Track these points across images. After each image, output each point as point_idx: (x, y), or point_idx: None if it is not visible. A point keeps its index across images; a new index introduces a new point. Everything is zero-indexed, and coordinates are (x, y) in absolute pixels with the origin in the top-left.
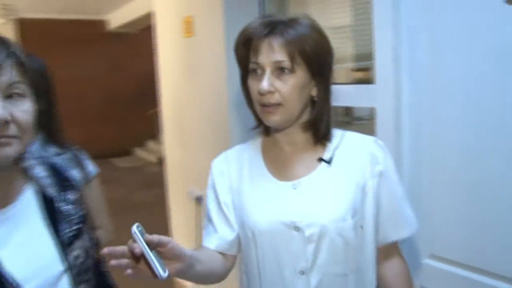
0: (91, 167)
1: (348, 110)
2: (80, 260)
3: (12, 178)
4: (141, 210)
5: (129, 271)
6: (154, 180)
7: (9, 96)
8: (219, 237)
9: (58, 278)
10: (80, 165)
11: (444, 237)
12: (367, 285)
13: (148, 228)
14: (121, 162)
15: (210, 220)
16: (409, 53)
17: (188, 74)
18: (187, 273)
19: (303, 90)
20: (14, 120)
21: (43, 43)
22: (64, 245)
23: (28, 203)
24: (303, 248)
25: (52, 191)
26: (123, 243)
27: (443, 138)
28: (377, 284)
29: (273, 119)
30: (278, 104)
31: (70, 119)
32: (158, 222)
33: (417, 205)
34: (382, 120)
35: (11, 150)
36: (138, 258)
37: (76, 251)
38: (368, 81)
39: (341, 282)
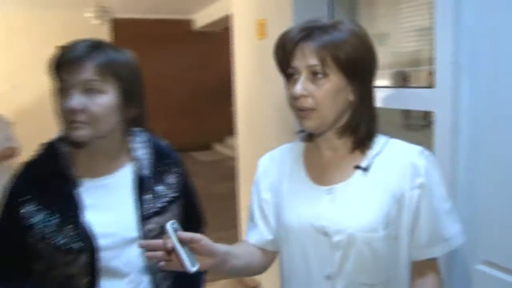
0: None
1: (426, 114)
2: (153, 233)
3: (115, 155)
4: (216, 201)
5: (162, 263)
6: (230, 173)
7: (87, 90)
8: (258, 232)
9: (130, 243)
10: None
11: (500, 243)
12: None
13: (220, 217)
14: (201, 156)
15: (252, 215)
16: (469, 57)
17: (260, 74)
18: (220, 268)
19: (338, 95)
20: (85, 110)
21: (134, 41)
22: (143, 218)
23: (124, 177)
24: (330, 254)
25: (147, 172)
26: None
27: (501, 143)
28: None
29: (307, 124)
30: (312, 109)
31: (156, 112)
32: (230, 212)
33: (473, 210)
34: (440, 124)
35: (80, 133)
36: (170, 252)
37: (152, 225)
38: None
39: None
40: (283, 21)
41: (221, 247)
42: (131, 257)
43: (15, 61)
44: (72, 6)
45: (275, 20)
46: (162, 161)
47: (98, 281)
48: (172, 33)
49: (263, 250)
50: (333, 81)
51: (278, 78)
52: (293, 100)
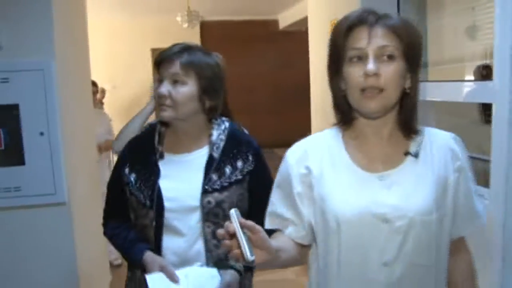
0: None
1: None
2: (211, 205)
3: (196, 137)
4: None
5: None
6: None
7: (174, 81)
8: (293, 228)
9: (192, 210)
10: None
11: None
12: (442, 277)
13: None
14: (283, 152)
15: (278, 214)
16: None
17: None
18: (271, 264)
19: (401, 79)
20: (170, 96)
21: (222, 42)
22: (206, 191)
23: (199, 156)
24: (390, 240)
25: (218, 154)
26: None
27: None
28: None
29: (372, 105)
30: (380, 89)
31: (241, 109)
32: None
33: None
34: (498, 116)
35: (165, 113)
36: (231, 236)
37: (210, 198)
38: None
39: (423, 273)
40: None
41: (274, 243)
42: (191, 222)
43: (116, 63)
44: (165, 11)
45: None
46: (234, 146)
47: (161, 234)
48: (258, 34)
49: (300, 243)
50: (399, 64)
51: None
52: (361, 80)
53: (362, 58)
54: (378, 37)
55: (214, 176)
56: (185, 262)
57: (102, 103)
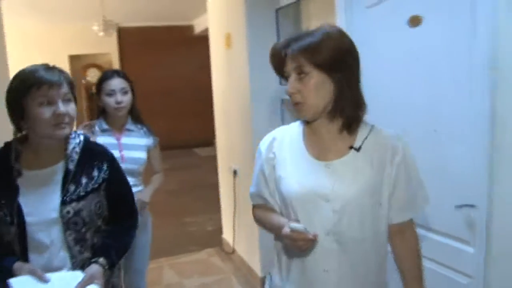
0: (156, 137)
1: None
2: (69, 215)
3: (54, 152)
4: (212, 189)
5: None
6: None
7: (66, 101)
8: (271, 202)
9: (53, 221)
10: (151, 135)
11: None
12: (381, 250)
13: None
14: (202, 152)
15: (258, 192)
16: None
17: (227, 77)
18: None
19: (321, 87)
20: (68, 114)
21: (140, 47)
22: (64, 202)
23: (57, 169)
24: (329, 215)
25: (73, 165)
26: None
27: None
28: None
29: (301, 114)
30: (302, 103)
31: (161, 111)
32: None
33: None
34: None
35: (67, 131)
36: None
37: (69, 208)
38: None
39: (359, 244)
40: (241, 35)
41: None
42: (53, 233)
43: None
44: (82, 18)
45: (237, 34)
46: (89, 157)
47: (27, 249)
48: (175, 38)
49: None
50: (315, 77)
51: (240, 81)
52: (289, 97)
53: (287, 79)
54: (291, 61)
55: (71, 187)
56: (51, 269)
57: None
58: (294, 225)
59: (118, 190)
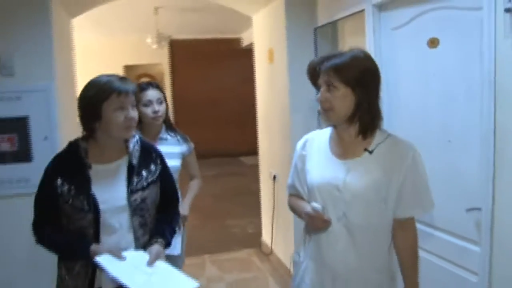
0: (191, 143)
1: None
2: (137, 203)
3: (119, 148)
4: (255, 196)
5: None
6: None
7: (133, 107)
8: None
9: (122, 208)
10: (186, 142)
11: None
12: (382, 240)
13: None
14: (248, 160)
15: (292, 183)
16: None
17: (270, 90)
18: None
19: (345, 99)
20: (134, 118)
21: (190, 58)
22: (130, 192)
23: (122, 164)
24: (341, 203)
25: (136, 161)
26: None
27: None
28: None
29: (327, 119)
30: (330, 110)
31: (208, 120)
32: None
33: None
34: None
35: (132, 132)
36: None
37: (135, 197)
38: None
39: (364, 232)
40: (282, 50)
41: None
42: (122, 218)
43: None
44: (137, 31)
45: (278, 49)
46: (147, 154)
47: (99, 232)
48: (223, 51)
49: None
50: (341, 90)
51: (280, 93)
52: (319, 103)
53: (319, 89)
54: (323, 76)
55: (135, 179)
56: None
57: None
58: (314, 204)
59: (168, 181)
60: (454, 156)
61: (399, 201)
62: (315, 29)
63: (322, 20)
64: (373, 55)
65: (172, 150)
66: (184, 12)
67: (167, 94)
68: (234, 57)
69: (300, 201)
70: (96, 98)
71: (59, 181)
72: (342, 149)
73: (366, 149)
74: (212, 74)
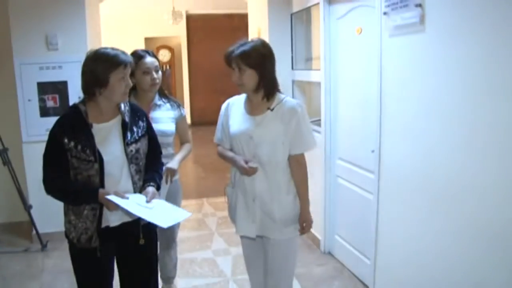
0: (183, 109)
1: None
2: (132, 153)
3: (113, 109)
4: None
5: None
6: None
7: (130, 76)
8: (225, 141)
9: (120, 157)
10: (178, 107)
11: (347, 147)
12: (285, 170)
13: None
14: None
15: (219, 133)
16: None
17: None
18: None
19: (251, 77)
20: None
21: (204, 32)
22: (126, 144)
23: (116, 122)
24: (253, 147)
25: (128, 119)
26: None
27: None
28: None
29: (241, 91)
30: (241, 85)
31: (220, 90)
32: None
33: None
34: (323, 89)
35: (127, 97)
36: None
37: (131, 148)
38: None
39: (271, 165)
40: (266, 31)
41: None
42: (121, 166)
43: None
44: (155, 5)
45: (264, 30)
46: (135, 113)
47: (104, 179)
48: (235, 25)
49: None
50: (247, 72)
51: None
52: (234, 81)
53: (233, 70)
54: (235, 61)
55: (128, 134)
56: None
57: None
58: (251, 164)
59: (153, 135)
60: (366, 114)
61: (292, 143)
62: (291, 14)
63: (296, 7)
64: (323, 38)
65: (166, 115)
66: None
67: (183, 64)
68: (244, 31)
69: (229, 152)
70: (106, 69)
71: (66, 139)
72: (252, 108)
73: (268, 108)
74: (225, 46)
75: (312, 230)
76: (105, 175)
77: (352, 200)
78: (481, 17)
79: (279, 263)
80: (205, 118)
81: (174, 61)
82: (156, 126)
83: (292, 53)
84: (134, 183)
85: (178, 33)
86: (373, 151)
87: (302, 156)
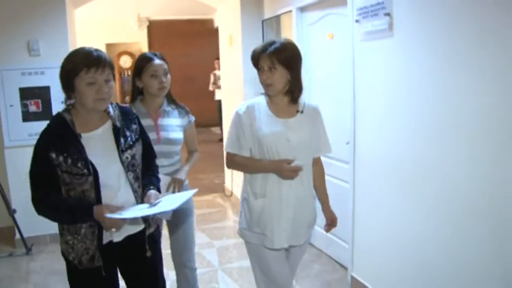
0: (192, 116)
1: None
2: (128, 159)
3: (100, 115)
4: (221, 157)
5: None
6: None
7: (106, 81)
8: (246, 148)
9: (116, 166)
10: (187, 115)
11: None
12: (311, 174)
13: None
14: (218, 130)
15: (236, 141)
16: None
17: (230, 68)
18: None
19: (282, 77)
20: (109, 92)
21: (167, 37)
22: (121, 151)
23: (107, 128)
24: (290, 150)
25: (119, 123)
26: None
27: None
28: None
29: (269, 92)
30: (271, 85)
31: (184, 94)
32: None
33: None
34: None
35: (106, 104)
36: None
37: (126, 155)
38: None
39: (305, 169)
40: (238, 37)
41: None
42: (117, 176)
43: None
44: (118, 12)
45: (236, 36)
46: (126, 116)
47: (100, 192)
48: (197, 30)
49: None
50: (279, 70)
51: (238, 70)
52: (262, 81)
53: (262, 70)
54: (266, 59)
55: (122, 140)
56: (120, 206)
57: None
58: (297, 162)
59: (146, 137)
60: (340, 110)
61: (317, 144)
62: (263, 21)
63: (267, 14)
64: (297, 43)
65: (174, 123)
66: None
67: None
68: (208, 36)
69: (255, 160)
70: (68, 72)
71: (53, 154)
72: (278, 111)
73: (297, 111)
74: (188, 52)
75: None
76: (101, 187)
77: (329, 190)
78: (441, 24)
79: (295, 264)
80: None
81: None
82: (164, 134)
83: None
84: (134, 191)
85: (139, 39)
86: (348, 143)
87: (320, 158)
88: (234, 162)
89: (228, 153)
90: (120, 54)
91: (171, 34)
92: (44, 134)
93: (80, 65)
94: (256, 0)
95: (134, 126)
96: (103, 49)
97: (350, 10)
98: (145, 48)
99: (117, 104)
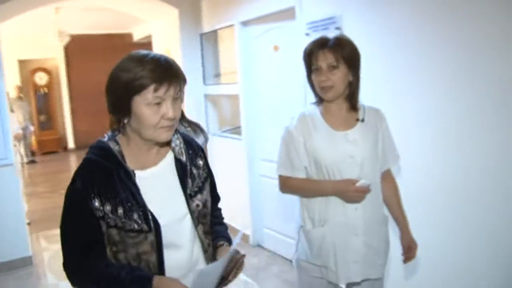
0: (207, 134)
1: None
2: (199, 208)
3: (156, 148)
4: None
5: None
6: None
7: (175, 99)
8: (301, 169)
9: (183, 218)
10: (203, 133)
11: None
12: (379, 192)
13: None
14: None
15: (288, 161)
16: None
17: None
18: None
19: (344, 78)
20: (175, 118)
21: (84, 52)
22: (190, 196)
23: (168, 164)
24: (354, 167)
25: (184, 158)
26: None
27: None
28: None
29: (328, 95)
30: (331, 87)
31: (103, 110)
32: None
33: None
34: (242, 101)
35: (171, 133)
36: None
37: (196, 201)
38: None
39: (372, 188)
40: (177, 51)
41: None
42: (184, 231)
43: None
44: (34, 26)
45: (174, 50)
46: (190, 147)
47: (163, 254)
48: (116, 45)
49: None
50: (341, 68)
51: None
52: (320, 83)
53: (319, 70)
54: (329, 56)
55: (190, 181)
56: (188, 271)
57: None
58: (363, 181)
59: (212, 175)
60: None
61: (384, 155)
62: (201, 35)
63: (206, 28)
64: (240, 55)
65: None
66: (80, 10)
67: (63, 86)
68: (126, 51)
69: (313, 181)
70: (124, 89)
71: (96, 202)
72: (335, 123)
73: (358, 119)
74: (106, 66)
75: (241, 227)
76: (164, 248)
77: (278, 194)
78: (383, 37)
79: None
80: (90, 141)
81: (52, 84)
82: None
83: (203, 70)
84: (205, 251)
85: (54, 55)
86: None
87: (390, 171)
88: (288, 186)
89: (280, 176)
90: (35, 71)
91: (89, 49)
92: (82, 171)
93: (147, 79)
94: (195, 14)
95: (200, 162)
96: (15, 66)
97: (299, 23)
98: (61, 64)
99: (177, 130)
